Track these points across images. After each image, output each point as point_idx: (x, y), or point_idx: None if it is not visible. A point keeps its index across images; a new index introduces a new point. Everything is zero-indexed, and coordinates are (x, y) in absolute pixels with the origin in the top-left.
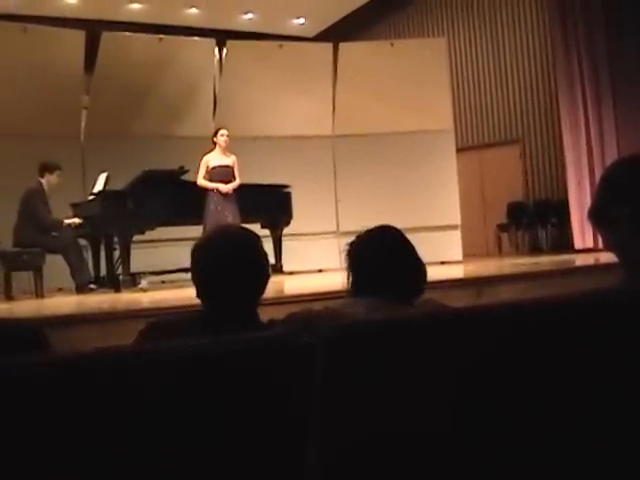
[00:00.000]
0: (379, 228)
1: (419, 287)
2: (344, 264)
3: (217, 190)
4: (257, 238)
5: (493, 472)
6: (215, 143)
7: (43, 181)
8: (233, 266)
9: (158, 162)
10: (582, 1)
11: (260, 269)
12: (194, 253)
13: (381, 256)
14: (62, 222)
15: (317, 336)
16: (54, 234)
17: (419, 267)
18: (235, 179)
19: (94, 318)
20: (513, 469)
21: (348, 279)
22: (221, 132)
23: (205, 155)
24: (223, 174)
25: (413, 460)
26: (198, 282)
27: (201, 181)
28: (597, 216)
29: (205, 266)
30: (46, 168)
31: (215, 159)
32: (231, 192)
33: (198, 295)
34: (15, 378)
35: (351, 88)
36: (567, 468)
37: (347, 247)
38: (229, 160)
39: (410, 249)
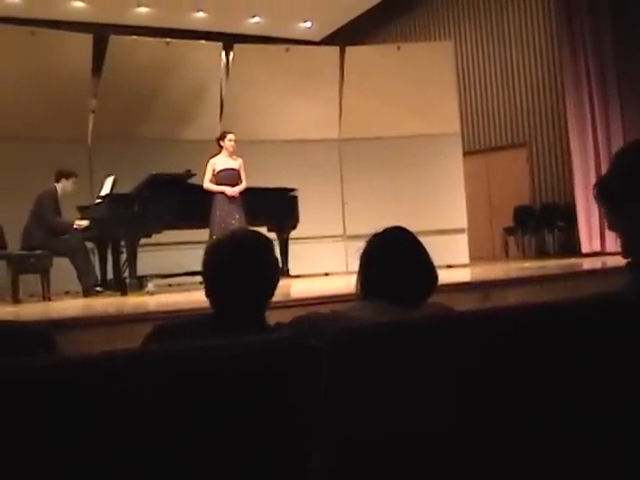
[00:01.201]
0: (391, 229)
1: (429, 290)
2: (350, 267)
3: (223, 193)
4: (267, 241)
5: (498, 476)
6: (221, 146)
7: (58, 186)
8: (239, 269)
9: (165, 165)
10: (589, 3)
11: (267, 273)
12: (205, 255)
13: (391, 258)
14: (72, 224)
15: (323, 339)
16: (62, 237)
17: (430, 270)
18: (241, 182)
19: (101, 321)
20: (518, 472)
21: (358, 280)
22: (229, 137)
23: (211, 158)
24: (229, 177)
25: (418, 462)
26: (206, 284)
27: (207, 184)
28: (602, 195)
29: (212, 268)
30: (63, 174)
31: (221, 162)
32: (237, 195)
33: (207, 296)
34: (22, 380)
35: (358, 91)
36: (571, 469)
37: (364, 246)
38: (235, 163)
39: (421, 251)
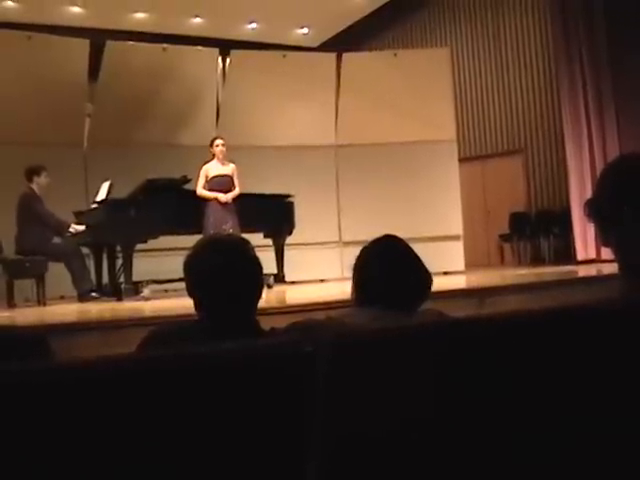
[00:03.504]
0: (383, 238)
1: (422, 296)
2: (346, 273)
3: (216, 200)
4: (246, 243)
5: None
6: (213, 153)
7: (33, 185)
8: (227, 275)
9: (161, 171)
10: (585, 12)
11: (253, 273)
12: (187, 267)
13: (383, 265)
14: (69, 225)
15: (318, 345)
16: (56, 241)
17: (422, 276)
18: (235, 188)
19: (96, 326)
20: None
21: (352, 288)
22: (216, 142)
23: (204, 164)
24: (222, 183)
25: (412, 463)
26: (196, 295)
27: (200, 190)
28: (593, 213)
29: (200, 278)
30: (33, 172)
31: (214, 168)
32: (230, 201)
33: (196, 307)
34: (17, 386)
35: (354, 98)
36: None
37: (358, 254)
38: (228, 169)
39: (413, 258)
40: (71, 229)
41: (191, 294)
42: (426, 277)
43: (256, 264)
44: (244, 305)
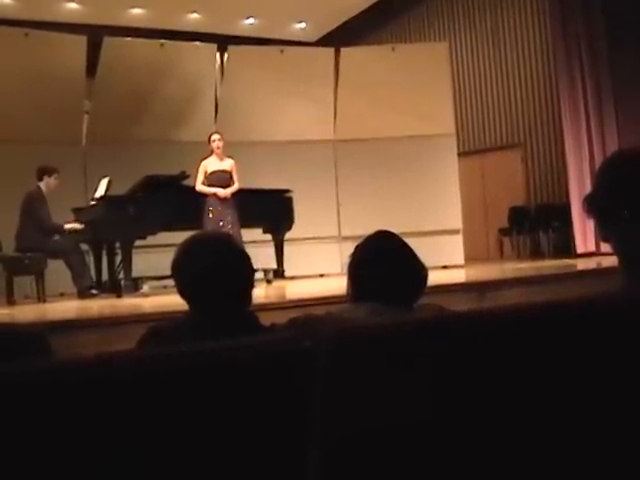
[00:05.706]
0: (377, 234)
1: (418, 291)
2: (345, 269)
3: (215, 195)
4: (230, 237)
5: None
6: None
7: (42, 185)
8: (217, 272)
9: (159, 167)
10: (583, 7)
11: (242, 266)
12: (175, 269)
13: (378, 262)
14: (62, 226)
15: (318, 341)
16: (56, 238)
17: (418, 271)
18: (234, 183)
19: (96, 323)
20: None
21: (348, 285)
22: (212, 137)
23: (203, 160)
24: (221, 179)
25: (413, 459)
26: (188, 295)
27: (199, 186)
28: (592, 209)
29: (190, 279)
30: (45, 172)
31: (213, 164)
32: (229, 197)
33: (190, 307)
34: (16, 383)
35: (353, 93)
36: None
37: (352, 252)
38: (226, 165)
39: (408, 254)
40: (65, 228)
41: (183, 295)
42: (421, 272)
43: (243, 257)
44: (238, 299)
